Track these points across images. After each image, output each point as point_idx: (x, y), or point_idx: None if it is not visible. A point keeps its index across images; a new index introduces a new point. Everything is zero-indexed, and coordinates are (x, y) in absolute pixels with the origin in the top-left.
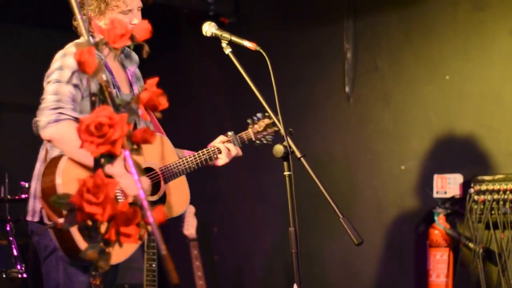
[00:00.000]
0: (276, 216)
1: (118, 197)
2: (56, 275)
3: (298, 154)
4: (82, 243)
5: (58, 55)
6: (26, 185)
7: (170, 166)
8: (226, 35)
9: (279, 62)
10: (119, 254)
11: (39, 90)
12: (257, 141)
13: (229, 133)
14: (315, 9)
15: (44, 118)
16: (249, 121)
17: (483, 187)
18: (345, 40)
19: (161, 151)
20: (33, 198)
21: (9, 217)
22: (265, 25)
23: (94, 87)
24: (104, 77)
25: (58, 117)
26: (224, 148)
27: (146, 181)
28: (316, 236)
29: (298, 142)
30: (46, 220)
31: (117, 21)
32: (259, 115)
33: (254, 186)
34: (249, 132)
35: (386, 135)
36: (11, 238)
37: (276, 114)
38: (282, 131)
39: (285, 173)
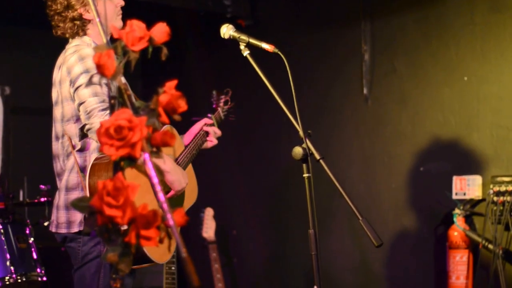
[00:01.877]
0: (295, 218)
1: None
2: (92, 281)
3: (317, 156)
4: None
5: (73, 59)
6: (45, 188)
7: (182, 156)
8: (244, 37)
9: (296, 64)
10: (163, 254)
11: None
12: (223, 117)
13: (210, 115)
14: (332, 11)
15: (97, 119)
16: (212, 100)
17: (502, 188)
18: (362, 42)
19: (176, 142)
20: (66, 209)
21: (28, 221)
22: (282, 27)
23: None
24: (123, 79)
25: None
26: (211, 131)
27: (186, 176)
28: (335, 238)
29: (317, 144)
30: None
31: (135, 23)
32: (214, 92)
33: (273, 188)
34: (219, 111)
35: (404, 137)
36: (30, 242)
37: (294, 116)
38: (301, 133)
39: (304, 175)
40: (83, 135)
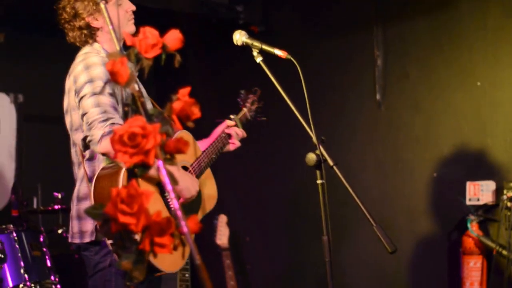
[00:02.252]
0: (308, 224)
1: (171, 206)
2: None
3: (331, 163)
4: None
5: (79, 68)
6: (59, 195)
7: (199, 161)
8: (257, 43)
9: (309, 71)
10: (173, 263)
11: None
12: (250, 118)
13: (232, 116)
14: (344, 17)
15: (97, 131)
16: (239, 100)
17: None
18: (375, 48)
19: (191, 148)
20: (78, 219)
21: (42, 228)
22: (294, 33)
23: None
24: (136, 87)
25: (112, 128)
26: (234, 133)
27: (197, 183)
28: (349, 244)
29: (330, 150)
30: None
31: (148, 30)
32: (242, 92)
33: (287, 194)
34: (245, 112)
35: (417, 142)
36: (44, 249)
37: (308, 122)
38: (315, 139)
39: (317, 181)
40: (87, 145)
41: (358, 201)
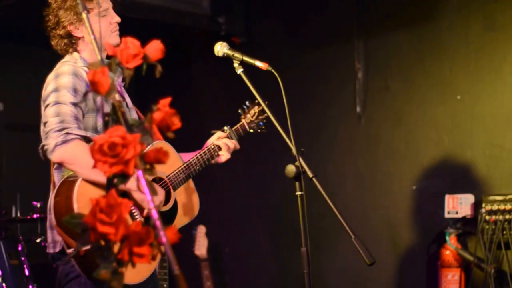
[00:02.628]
0: (287, 236)
1: (135, 213)
2: None
3: (310, 174)
4: None
5: (50, 77)
6: (38, 204)
7: (177, 173)
8: (238, 55)
9: (290, 82)
10: (136, 275)
11: None
12: (251, 130)
13: (225, 128)
14: (326, 29)
15: (51, 141)
16: (240, 111)
17: (495, 207)
18: (356, 60)
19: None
20: (50, 229)
21: (20, 237)
22: (276, 45)
23: (106, 107)
24: (117, 96)
25: (66, 137)
26: (223, 144)
27: (161, 193)
28: (328, 256)
29: (310, 162)
30: (66, 249)
31: (129, 40)
32: (247, 103)
33: (265, 206)
34: (243, 123)
35: (397, 155)
36: (22, 258)
37: (288, 134)
38: (294, 151)
39: (297, 193)
40: (44, 154)
41: (337, 212)
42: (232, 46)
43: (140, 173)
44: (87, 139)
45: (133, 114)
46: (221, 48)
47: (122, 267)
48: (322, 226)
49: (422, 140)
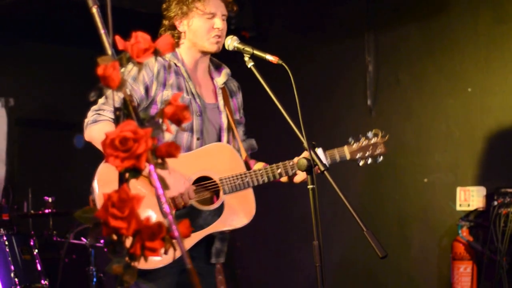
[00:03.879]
0: (299, 229)
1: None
2: None
3: (322, 168)
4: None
5: None
6: (50, 200)
7: (233, 177)
8: (248, 48)
9: (300, 76)
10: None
11: (59, 107)
12: (358, 161)
13: (316, 149)
14: (336, 23)
15: (86, 119)
16: (350, 139)
17: (507, 200)
18: (366, 53)
19: (227, 162)
20: None
21: (32, 232)
22: (285, 38)
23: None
24: (182, 82)
25: (97, 118)
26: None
27: (179, 185)
28: (340, 249)
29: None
30: None
31: (140, 35)
32: (369, 134)
33: (277, 199)
34: (343, 150)
35: (408, 148)
36: (35, 253)
37: (299, 127)
38: (306, 144)
39: (308, 186)
40: None
41: (348, 206)
42: (242, 40)
43: (151, 167)
44: None
45: (221, 117)
46: (231, 42)
47: (135, 261)
48: (333, 219)
49: (433, 132)
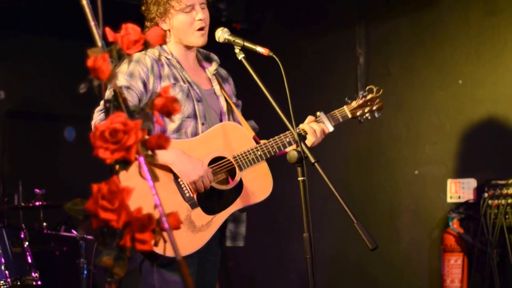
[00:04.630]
0: (290, 221)
1: (185, 190)
2: (151, 278)
3: (312, 160)
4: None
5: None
6: (40, 192)
7: (245, 153)
8: (239, 41)
9: (291, 68)
10: (193, 243)
11: (49, 99)
12: (359, 118)
13: (318, 113)
14: (327, 15)
15: (92, 121)
16: (346, 99)
17: (497, 192)
18: (357, 45)
19: (237, 140)
20: None
21: (23, 225)
22: (277, 31)
23: (108, 94)
24: (176, 73)
25: (103, 117)
26: (308, 128)
27: (198, 168)
28: (330, 241)
29: (312, 147)
30: None
31: (130, 27)
32: (361, 92)
33: None
34: (343, 109)
35: (399, 140)
36: (25, 246)
37: (289, 119)
38: (296, 136)
39: (299, 178)
40: None
41: (339, 197)
42: (233, 32)
43: (141, 159)
44: None
45: (219, 102)
46: (222, 34)
47: (124, 253)
48: (324, 211)
49: (423, 125)
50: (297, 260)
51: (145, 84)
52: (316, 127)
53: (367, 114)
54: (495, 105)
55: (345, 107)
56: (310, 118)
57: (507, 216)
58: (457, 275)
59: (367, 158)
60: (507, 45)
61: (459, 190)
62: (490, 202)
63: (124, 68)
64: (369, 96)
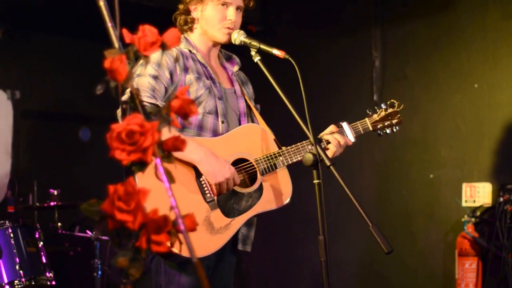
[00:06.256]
0: (305, 224)
1: (206, 192)
2: (158, 278)
3: (328, 163)
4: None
5: None
6: (55, 192)
7: (267, 157)
8: (255, 43)
9: (307, 71)
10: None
11: (65, 100)
12: (379, 131)
13: (341, 123)
14: (343, 17)
15: (119, 109)
16: (368, 110)
17: None
18: (373, 48)
19: (259, 143)
20: None
21: (38, 225)
22: (292, 33)
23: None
24: (200, 68)
25: None
26: (332, 139)
27: (224, 170)
28: (345, 244)
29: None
30: None
31: (147, 28)
32: (382, 105)
33: None
34: (365, 122)
35: (414, 143)
36: (40, 246)
37: (305, 122)
38: (311, 139)
39: (314, 181)
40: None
41: (354, 201)
42: (249, 34)
43: (158, 160)
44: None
45: (239, 102)
46: (238, 36)
47: (140, 254)
48: (339, 214)
49: (439, 128)
50: (311, 262)
51: (171, 75)
52: (340, 138)
53: (386, 129)
54: (511, 109)
55: (367, 119)
56: (333, 127)
57: None
58: (472, 279)
59: (382, 161)
60: None
61: (474, 194)
62: (505, 206)
63: (152, 56)
64: (390, 110)
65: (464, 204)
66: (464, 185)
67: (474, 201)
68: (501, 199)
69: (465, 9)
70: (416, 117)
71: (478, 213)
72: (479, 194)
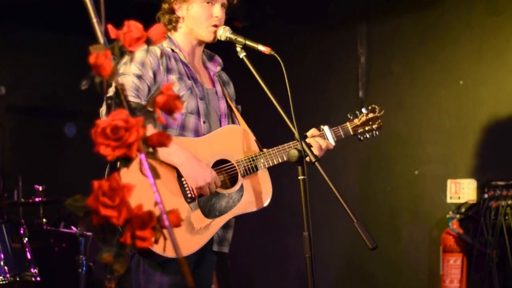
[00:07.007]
0: (289, 220)
1: (187, 192)
2: (137, 277)
3: (312, 159)
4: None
5: None
6: (40, 188)
7: (248, 159)
8: (240, 39)
9: (292, 66)
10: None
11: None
12: (359, 136)
13: (322, 127)
14: (328, 13)
15: (102, 108)
16: (349, 115)
17: (497, 193)
18: (358, 44)
19: (241, 144)
20: None
21: (23, 220)
22: (278, 29)
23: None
24: (182, 68)
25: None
26: (314, 142)
27: (205, 174)
28: (330, 240)
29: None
30: None
31: (132, 24)
32: (363, 110)
33: None
34: (347, 126)
35: (399, 139)
36: (24, 242)
37: (290, 118)
38: (297, 135)
39: (299, 177)
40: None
41: (339, 197)
42: (235, 31)
43: (142, 156)
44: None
45: (220, 103)
46: (223, 32)
47: (125, 250)
48: (324, 210)
49: (424, 124)
50: (296, 259)
51: (155, 74)
52: (322, 142)
53: (367, 133)
54: (496, 105)
55: (347, 123)
56: (314, 131)
57: (506, 217)
58: (456, 276)
59: (367, 157)
60: (509, 45)
61: (459, 190)
62: (490, 203)
63: (135, 56)
64: (371, 115)
65: (449, 200)
66: (449, 181)
67: (459, 198)
68: (486, 196)
69: (451, 4)
70: (401, 113)
71: (463, 210)
72: (464, 190)
